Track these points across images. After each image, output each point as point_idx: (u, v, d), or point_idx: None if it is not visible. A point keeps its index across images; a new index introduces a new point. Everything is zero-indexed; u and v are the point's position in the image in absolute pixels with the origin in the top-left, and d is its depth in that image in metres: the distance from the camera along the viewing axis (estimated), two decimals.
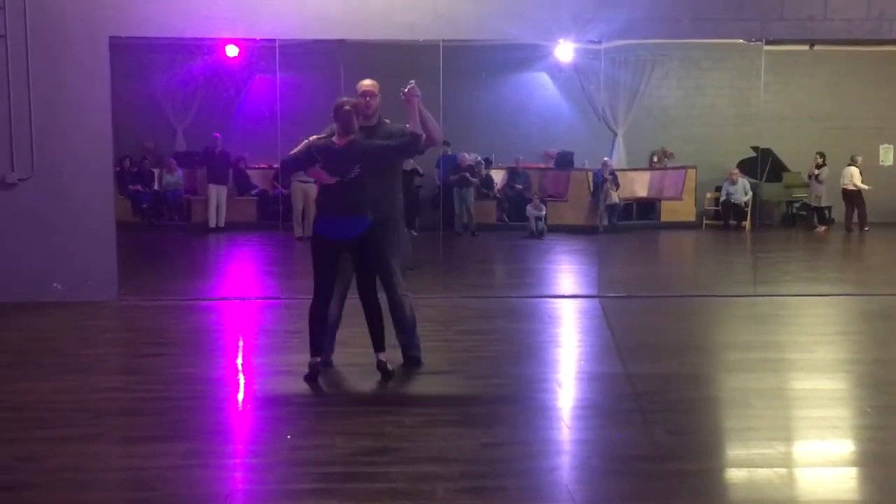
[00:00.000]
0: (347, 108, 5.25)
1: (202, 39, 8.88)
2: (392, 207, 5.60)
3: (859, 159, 13.97)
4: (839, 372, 5.87)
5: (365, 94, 5.51)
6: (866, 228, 13.85)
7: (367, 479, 3.87)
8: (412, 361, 5.71)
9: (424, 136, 5.38)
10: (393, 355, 5.59)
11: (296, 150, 5.34)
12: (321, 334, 5.38)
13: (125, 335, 7.14)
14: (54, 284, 8.11)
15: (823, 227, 14.25)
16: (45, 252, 8.09)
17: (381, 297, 5.52)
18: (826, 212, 14.42)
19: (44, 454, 4.18)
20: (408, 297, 5.72)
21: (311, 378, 5.30)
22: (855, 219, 14.02)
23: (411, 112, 5.34)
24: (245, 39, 8.72)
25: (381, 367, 5.36)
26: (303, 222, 11.72)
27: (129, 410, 4.96)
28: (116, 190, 8.91)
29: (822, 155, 14.13)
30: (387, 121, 5.64)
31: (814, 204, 14.40)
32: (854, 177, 13.90)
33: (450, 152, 12.85)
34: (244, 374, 5.69)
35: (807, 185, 14.68)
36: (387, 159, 5.41)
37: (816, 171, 14.19)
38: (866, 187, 13.88)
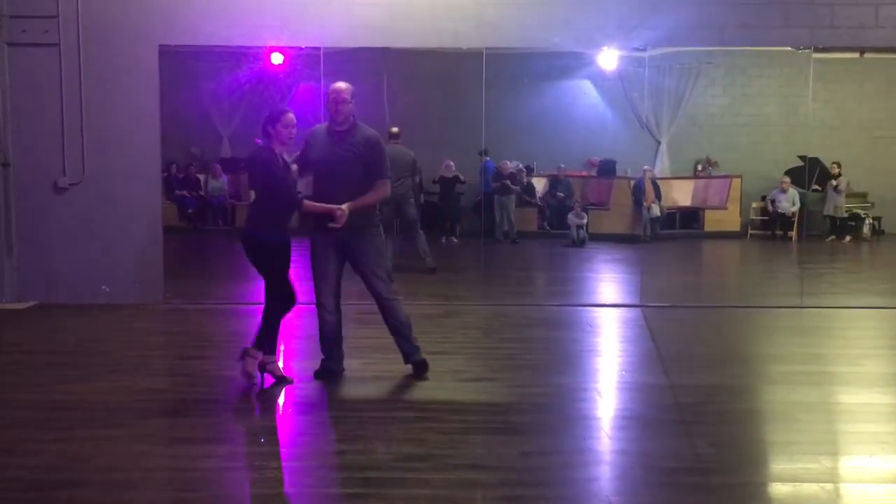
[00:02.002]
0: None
1: (248, 47, 9.01)
2: (367, 217, 5.52)
3: None
4: (889, 386, 5.74)
5: (335, 100, 5.40)
6: None
7: (407, 485, 3.88)
8: (419, 367, 5.64)
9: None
10: (399, 361, 5.58)
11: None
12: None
13: (170, 338, 7.26)
14: (102, 287, 8.28)
15: (833, 238, 13.88)
16: (94, 255, 8.27)
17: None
18: (838, 221, 14.04)
19: (92, 453, 4.27)
20: (397, 299, 5.63)
21: (263, 373, 5.43)
22: None
23: (355, 210, 5.35)
24: (290, 47, 8.82)
25: (259, 367, 5.44)
26: None
27: (174, 412, 5.05)
28: (163, 195, 9.07)
29: (838, 164, 13.79)
30: (363, 126, 5.53)
31: (833, 215, 14.07)
32: None
33: (488, 159, 12.84)
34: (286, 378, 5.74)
35: (858, 195, 14.37)
36: (261, 180, 5.40)
37: (834, 182, 13.87)
38: None
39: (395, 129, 9.84)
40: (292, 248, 5.44)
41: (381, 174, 5.51)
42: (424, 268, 9.94)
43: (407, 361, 5.67)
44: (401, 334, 5.65)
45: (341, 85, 5.47)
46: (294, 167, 5.50)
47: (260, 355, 5.44)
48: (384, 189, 5.55)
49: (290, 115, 5.35)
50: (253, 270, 5.55)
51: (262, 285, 5.57)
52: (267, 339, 5.45)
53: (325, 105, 5.41)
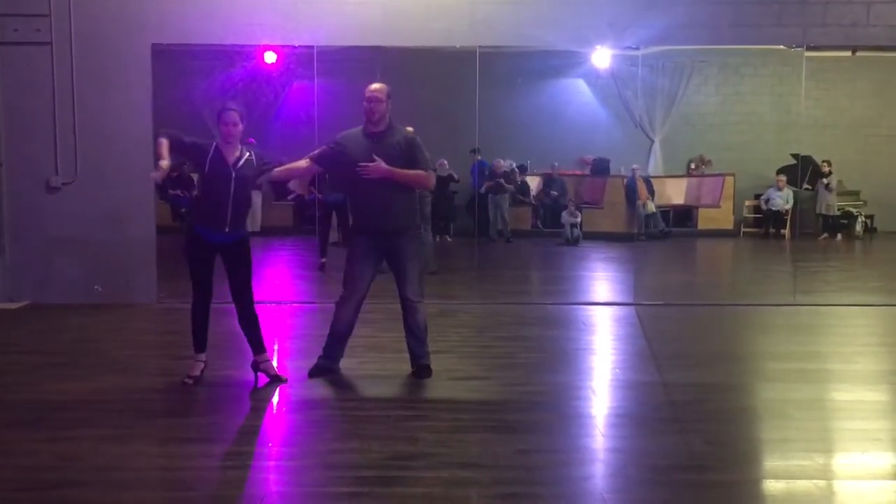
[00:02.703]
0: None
1: (241, 46, 8.99)
2: (410, 219, 5.55)
3: None
4: (882, 383, 5.76)
5: (369, 99, 5.40)
6: None
7: (401, 483, 3.88)
8: (422, 371, 5.61)
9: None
10: (399, 360, 5.58)
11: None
12: (203, 332, 5.46)
13: (164, 337, 7.24)
14: (95, 287, 8.26)
15: (825, 236, 13.95)
16: (87, 255, 8.24)
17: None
18: (831, 220, 14.12)
19: (86, 453, 4.26)
20: (422, 303, 5.63)
21: (257, 372, 5.48)
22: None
23: (393, 176, 5.35)
24: (283, 46, 8.81)
25: (253, 366, 5.48)
26: (338, 228, 11.81)
27: (168, 411, 5.04)
28: (157, 194, 9.05)
29: (829, 163, 13.85)
30: (398, 126, 5.56)
31: (823, 212, 14.13)
32: None
33: (479, 158, 12.83)
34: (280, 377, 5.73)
35: (850, 193, 14.43)
36: (252, 181, 5.37)
37: (825, 180, 13.93)
38: None
39: None
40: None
41: (426, 167, 5.51)
42: (427, 270, 9.90)
43: (415, 364, 5.64)
44: (417, 337, 5.63)
45: (376, 86, 5.45)
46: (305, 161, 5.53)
47: (264, 356, 5.49)
48: (428, 179, 5.55)
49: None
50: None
51: (255, 286, 5.57)
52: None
53: (362, 109, 5.39)
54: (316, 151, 5.59)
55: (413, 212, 5.58)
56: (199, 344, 5.47)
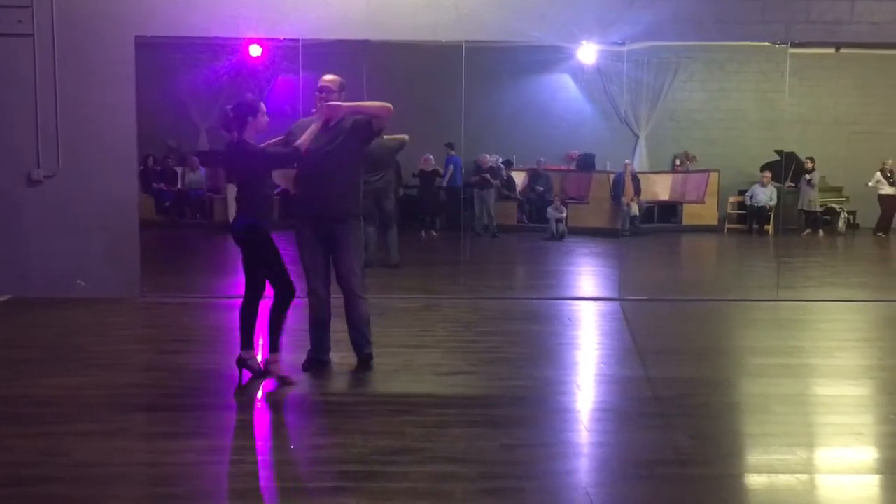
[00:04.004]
0: (227, 108, 5.26)
1: (226, 39, 8.94)
2: (351, 205, 5.53)
3: (889, 163, 13.79)
4: (863, 378, 5.81)
5: (321, 89, 5.43)
6: (881, 234, 13.71)
7: (386, 478, 3.88)
8: (364, 359, 5.63)
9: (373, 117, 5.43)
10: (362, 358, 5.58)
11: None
12: (250, 328, 5.41)
13: (147, 332, 7.20)
14: (78, 281, 8.20)
15: (808, 232, 14.07)
16: (69, 249, 8.18)
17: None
18: (814, 216, 14.25)
19: (69, 448, 4.23)
20: (365, 298, 5.64)
21: (241, 368, 5.39)
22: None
23: (349, 113, 5.39)
24: (269, 39, 8.76)
25: (265, 368, 5.40)
26: None
27: (152, 407, 5.01)
28: (140, 188, 8.99)
29: (812, 159, 13.96)
30: (350, 118, 5.51)
31: (805, 208, 14.25)
32: (881, 184, 13.77)
33: (453, 153, 12.81)
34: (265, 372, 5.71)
35: (833, 189, 14.54)
36: (263, 164, 5.29)
37: (808, 176, 14.04)
38: (870, 184, 13.71)
39: None
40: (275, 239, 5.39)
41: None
42: (388, 263, 9.91)
43: (359, 355, 5.67)
44: (359, 330, 5.65)
45: (329, 77, 5.49)
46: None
47: (277, 357, 5.40)
48: (384, 106, 5.43)
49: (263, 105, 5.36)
50: (232, 264, 5.51)
51: (240, 279, 5.54)
52: (271, 337, 5.42)
53: (300, 97, 5.39)
54: (273, 141, 5.57)
55: (355, 199, 5.56)
56: (250, 341, 5.44)
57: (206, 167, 12.65)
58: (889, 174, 13.82)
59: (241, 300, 5.49)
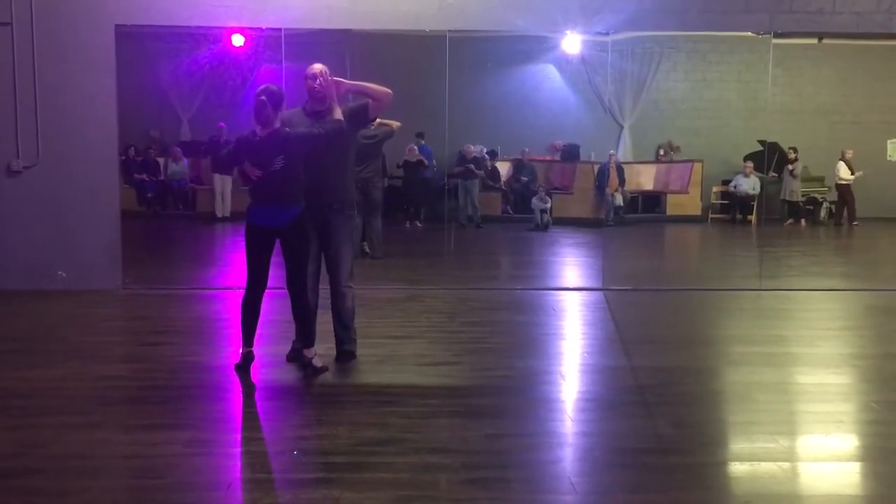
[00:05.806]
0: (262, 98, 5.13)
1: (208, 28, 8.87)
2: (346, 193, 5.51)
3: (849, 153, 13.86)
4: (844, 367, 5.86)
5: (313, 77, 5.39)
6: (855, 223, 13.81)
7: (370, 469, 3.87)
8: (345, 356, 5.61)
9: (371, 101, 5.42)
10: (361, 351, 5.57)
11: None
12: (252, 324, 5.35)
13: (129, 324, 7.15)
14: (59, 272, 8.13)
15: (790, 221, 14.16)
16: (50, 240, 8.11)
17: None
18: (800, 206, 14.35)
19: (50, 441, 4.19)
20: (351, 288, 5.61)
21: (242, 367, 5.30)
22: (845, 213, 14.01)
23: (351, 90, 5.41)
24: (251, 28, 8.69)
25: (305, 362, 5.34)
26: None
27: (134, 398, 4.97)
28: (121, 179, 8.91)
29: (794, 150, 14.04)
30: (337, 107, 5.46)
31: (788, 198, 14.35)
32: (841, 171, 13.84)
33: (423, 143, 12.78)
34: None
35: (815, 179, 14.63)
36: (311, 146, 5.20)
37: (790, 166, 14.12)
38: (852, 177, 13.79)
39: None
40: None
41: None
42: (373, 256, 9.86)
43: (339, 348, 5.64)
44: (344, 324, 5.62)
45: (316, 66, 5.44)
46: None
47: (313, 351, 5.35)
48: (381, 88, 5.43)
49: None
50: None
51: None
52: (306, 331, 5.37)
53: (285, 87, 5.35)
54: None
55: (348, 187, 5.54)
56: (252, 338, 5.37)
57: (226, 167, 12.57)
58: (848, 164, 13.89)
59: (245, 294, 5.36)
